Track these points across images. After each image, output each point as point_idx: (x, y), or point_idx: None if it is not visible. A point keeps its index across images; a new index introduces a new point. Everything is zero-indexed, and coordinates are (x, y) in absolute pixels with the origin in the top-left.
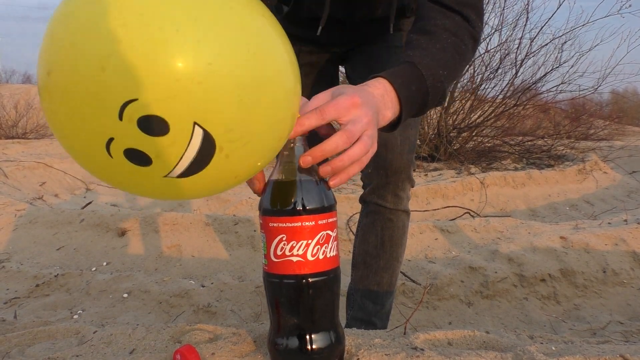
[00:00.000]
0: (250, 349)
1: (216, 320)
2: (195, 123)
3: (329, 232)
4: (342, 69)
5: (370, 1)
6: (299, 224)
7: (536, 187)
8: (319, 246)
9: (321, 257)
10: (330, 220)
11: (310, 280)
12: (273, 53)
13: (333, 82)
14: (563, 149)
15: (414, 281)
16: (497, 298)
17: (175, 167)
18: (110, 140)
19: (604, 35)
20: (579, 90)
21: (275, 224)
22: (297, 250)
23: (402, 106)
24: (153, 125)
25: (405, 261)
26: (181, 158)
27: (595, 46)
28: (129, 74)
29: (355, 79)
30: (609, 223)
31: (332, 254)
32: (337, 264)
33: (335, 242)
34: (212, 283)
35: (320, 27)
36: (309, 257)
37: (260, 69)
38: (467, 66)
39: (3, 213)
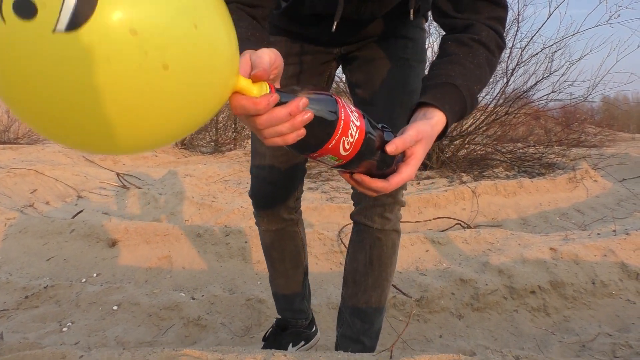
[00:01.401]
0: None
1: (206, 333)
2: None
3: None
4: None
5: None
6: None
7: (527, 195)
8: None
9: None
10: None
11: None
12: None
13: (325, 81)
14: (554, 157)
15: (404, 294)
16: (488, 310)
17: (60, 13)
18: None
19: (593, 44)
20: (570, 99)
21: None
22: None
23: (446, 127)
24: None
25: (396, 273)
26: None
27: (585, 55)
28: None
29: (353, 84)
30: (598, 234)
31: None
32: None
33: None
34: (202, 295)
35: (335, 23)
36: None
37: None
38: None
39: None
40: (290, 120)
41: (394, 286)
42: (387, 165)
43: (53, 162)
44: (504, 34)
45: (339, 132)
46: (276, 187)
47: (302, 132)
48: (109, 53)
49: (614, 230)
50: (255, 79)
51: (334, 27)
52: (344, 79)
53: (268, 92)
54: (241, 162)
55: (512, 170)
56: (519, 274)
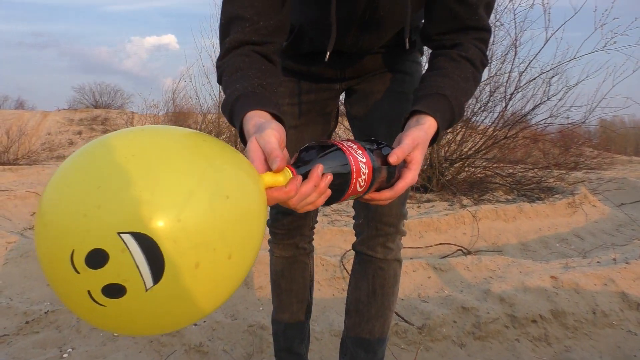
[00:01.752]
0: None
1: None
2: (118, 233)
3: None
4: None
5: (378, 30)
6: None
7: (527, 220)
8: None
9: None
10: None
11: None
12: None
13: (332, 121)
14: (553, 181)
15: (407, 321)
16: (489, 339)
17: (143, 278)
18: (88, 292)
19: (590, 70)
20: (568, 124)
21: None
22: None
23: (437, 133)
24: (95, 259)
25: (398, 300)
26: (138, 268)
27: (581, 81)
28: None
29: (352, 116)
30: (598, 262)
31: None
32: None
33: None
34: (204, 321)
35: (327, 54)
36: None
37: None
38: None
39: None
40: (316, 190)
41: (397, 314)
42: (392, 176)
43: None
44: (487, 53)
45: (354, 177)
46: (295, 216)
47: (328, 192)
48: (191, 272)
49: (614, 259)
50: (278, 171)
51: (327, 56)
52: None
53: (290, 174)
54: None
55: (512, 194)
56: (520, 303)
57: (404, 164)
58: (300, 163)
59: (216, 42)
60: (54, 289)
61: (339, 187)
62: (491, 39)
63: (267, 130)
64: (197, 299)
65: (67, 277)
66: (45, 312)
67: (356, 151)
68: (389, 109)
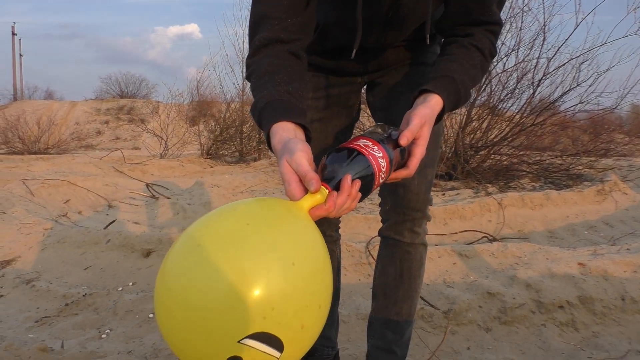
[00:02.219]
0: None
1: None
2: (238, 342)
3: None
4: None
5: (401, 27)
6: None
7: (554, 208)
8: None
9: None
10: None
11: None
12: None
13: (355, 112)
14: (582, 168)
15: (432, 306)
16: (515, 324)
17: (272, 355)
18: None
19: (622, 55)
20: (597, 110)
21: None
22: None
23: (442, 112)
24: None
25: (424, 285)
26: (265, 352)
27: (613, 66)
28: None
29: (376, 107)
30: (628, 249)
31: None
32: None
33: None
34: None
35: (354, 51)
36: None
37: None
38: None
39: (32, 232)
40: (349, 198)
41: (422, 298)
42: (404, 155)
43: (84, 173)
44: (496, 44)
45: (377, 174)
46: None
47: (359, 195)
48: (301, 331)
49: None
50: (316, 192)
51: (353, 54)
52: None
53: (325, 191)
54: (267, 172)
55: (539, 182)
56: (547, 289)
57: (413, 141)
58: (329, 175)
59: (239, 30)
60: None
61: (366, 186)
62: (502, 31)
63: (297, 154)
64: (311, 339)
65: None
66: (84, 295)
67: (372, 148)
68: (410, 96)
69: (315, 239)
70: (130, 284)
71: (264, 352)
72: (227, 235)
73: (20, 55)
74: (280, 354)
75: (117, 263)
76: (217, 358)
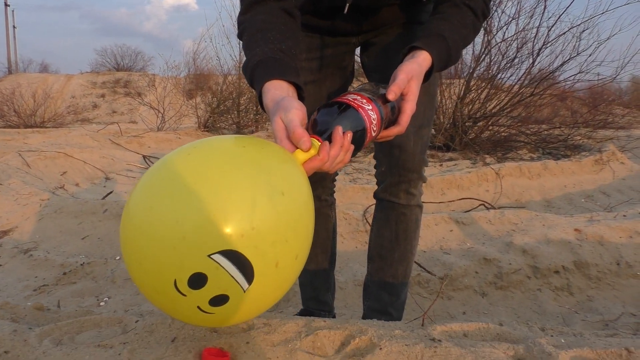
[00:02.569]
0: (281, 338)
1: None
2: (208, 256)
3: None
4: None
5: None
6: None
7: (552, 177)
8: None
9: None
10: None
11: None
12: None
13: (349, 73)
14: (580, 139)
15: (429, 272)
16: (511, 289)
17: (240, 284)
18: (198, 307)
19: (623, 23)
20: (597, 79)
21: None
22: None
23: (431, 69)
24: (196, 281)
25: (420, 252)
26: (234, 277)
27: (614, 34)
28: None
29: (370, 69)
30: (624, 215)
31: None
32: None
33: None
34: None
35: (347, 6)
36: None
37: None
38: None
39: (29, 203)
40: (342, 149)
41: (419, 264)
42: (394, 111)
43: (81, 145)
44: (489, 4)
45: (369, 127)
46: None
47: (352, 147)
48: (275, 270)
49: None
50: (307, 150)
51: (345, 9)
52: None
53: (317, 143)
54: None
55: (537, 152)
56: (542, 254)
57: (402, 97)
58: (320, 128)
59: (236, 1)
60: (164, 310)
61: (359, 139)
62: None
63: (292, 112)
64: (281, 287)
65: (175, 300)
66: (82, 264)
67: (362, 102)
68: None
69: (304, 184)
70: None
71: (232, 277)
72: (224, 152)
73: (14, 27)
74: (248, 286)
75: (114, 232)
76: (180, 272)
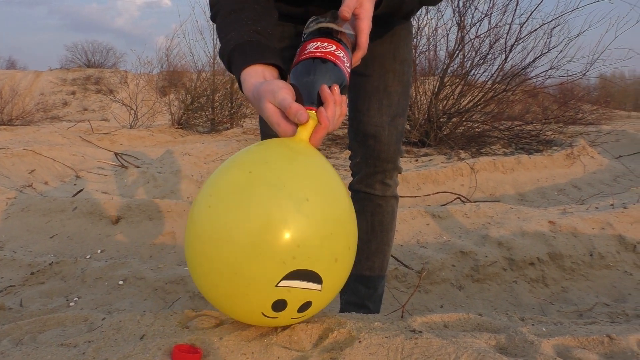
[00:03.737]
0: (257, 333)
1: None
2: (276, 286)
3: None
4: None
5: None
6: None
7: (525, 172)
8: None
9: None
10: None
11: None
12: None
13: None
14: (551, 134)
15: (406, 266)
16: (487, 281)
17: (314, 289)
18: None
19: (592, 20)
20: (567, 76)
21: None
22: None
23: None
24: (279, 306)
25: (397, 246)
26: (307, 287)
27: (584, 31)
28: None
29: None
30: (596, 207)
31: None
32: None
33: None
34: None
35: None
36: None
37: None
38: None
39: None
40: (337, 106)
41: (396, 258)
42: (355, 35)
43: (50, 142)
44: None
45: (343, 68)
46: None
47: (345, 97)
48: (336, 264)
49: (612, 204)
50: (306, 121)
51: None
52: None
53: (313, 112)
54: (239, 141)
55: (510, 148)
56: (518, 246)
57: (355, 17)
58: (306, 97)
59: None
60: (255, 324)
61: (342, 85)
62: None
63: (281, 92)
64: (345, 274)
65: (270, 321)
66: (50, 264)
67: (324, 46)
68: (381, 47)
69: (322, 172)
70: (99, 251)
71: (305, 288)
72: (233, 189)
73: None
74: (320, 286)
75: (84, 231)
76: (262, 306)
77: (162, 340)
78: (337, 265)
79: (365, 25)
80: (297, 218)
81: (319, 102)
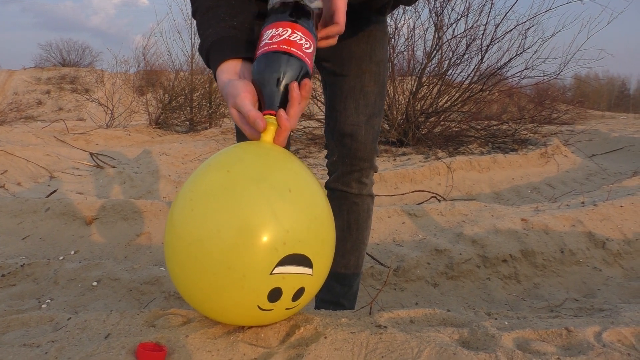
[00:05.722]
0: (223, 331)
1: (188, 305)
2: (270, 274)
3: None
4: None
5: None
6: None
7: (500, 170)
8: None
9: None
10: None
11: None
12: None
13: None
14: (527, 134)
15: (382, 264)
16: (462, 279)
17: (307, 273)
18: (285, 309)
19: (565, 21)
20: (543, 76)
21: None
22: None
23: None
24: (274, 295)
25: (373, 244)
26: (300, 272)
27: (557, 32)
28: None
29: (322, 59)
30: (568, 205)
31: None
32: None
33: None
34: None
35: None
36: None
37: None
38: None
39: None
40: (303, 99)
41: (372, 256)
42: (323, 12)
43: (23, 142)
44: None
45: (307, 60)
46: None
47: (309, 85)
48: (323, 246)
49: (583, 202)
50: (263, 129)
51: None
52: None
53: (271, 117)
54: (217, 140)
55: (486, 147)
56: (491, 244)
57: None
58: (266, 94)
59: None
60: (253, 324)
61: (305, 73)
62: None
63: (240, 95)
64: (332, 255)
65: (265, 315)
66: (22, 265)
67: (281, 34)
68: (357, 47)
69: (294, 164)
70: (72, 252)
71: (298, 273)
72: (214, 189)
73: None
74: (312, 270)
75: (57, 232)
76: (258, 297)
77: (127, 339)
78: (324, 248)
79: (341, 2)
80: (283, 206)
81: (282, 99)
